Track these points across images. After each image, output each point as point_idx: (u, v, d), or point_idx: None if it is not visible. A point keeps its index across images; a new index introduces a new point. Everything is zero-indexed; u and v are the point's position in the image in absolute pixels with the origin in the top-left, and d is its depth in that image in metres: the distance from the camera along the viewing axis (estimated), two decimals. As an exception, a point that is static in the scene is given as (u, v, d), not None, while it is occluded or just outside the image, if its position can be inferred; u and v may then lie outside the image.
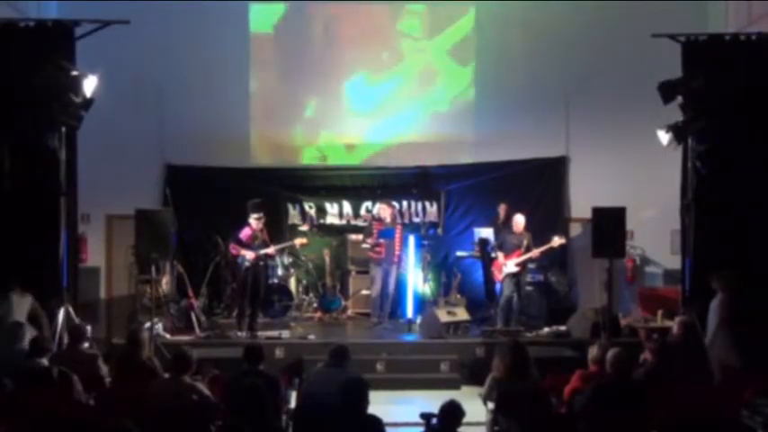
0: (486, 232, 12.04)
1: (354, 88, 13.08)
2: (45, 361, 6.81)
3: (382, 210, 11.67)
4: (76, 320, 8.72)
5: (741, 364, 8.10)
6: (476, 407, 6.98)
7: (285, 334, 10.56)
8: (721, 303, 8.50)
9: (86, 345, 7.73)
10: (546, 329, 11.01)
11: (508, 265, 10.88)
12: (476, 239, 12.25)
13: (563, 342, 10.49)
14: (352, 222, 13.02)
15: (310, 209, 13.02)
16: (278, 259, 11.79)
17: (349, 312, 12.29)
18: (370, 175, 13.18)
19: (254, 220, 10.58)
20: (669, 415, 6.12)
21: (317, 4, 12.74)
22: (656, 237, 12.11)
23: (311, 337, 10.53)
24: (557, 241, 10.91)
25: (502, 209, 12.02)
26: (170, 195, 12.01)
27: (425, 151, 13.01)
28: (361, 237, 11.92)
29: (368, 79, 13.06)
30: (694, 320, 8.64)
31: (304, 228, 12.75)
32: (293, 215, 13.00)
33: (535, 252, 10.89)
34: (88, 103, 8.78)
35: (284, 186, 12.97)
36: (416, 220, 13.00)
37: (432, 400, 5.71)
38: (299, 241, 11.40)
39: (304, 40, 12.97)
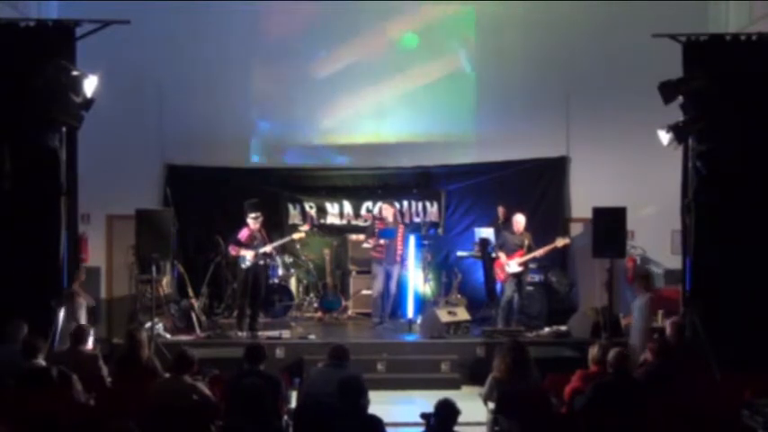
0: (487, 232, 12.05)
1: (354, 88, 13.07)
2: (43, 361, 6.81)
3: (384, 210, 11.68)
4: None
5: None
6: (476, 407, 6.99)
7: (286, 334, 10.56)
8: (646, 304, 8.54)
9: (90, 345, 7.76)
10: (546, 329, 11.02)
11: (511, 265, 10.87)
12: (476, 239, 12.26)
13: (563, 342, 10.49)
14: (353, 222, 13.03)
15: (311, 209, 13.02)
16: (278, 259, 11.80)
17: (349, 312, 12.29)
18: (371, 175, 13.18)
19: (252, 220, 10.60)
20: (669, 415, 6.12)
21: (315, 4, 12.73)
22: (657, 236, 12.08)
23: (312, 337, 10.53)
24: (560, 241, 10.91)
25: (501, 211, 12.03)
26: (170, 195, 12.02)
27: (426, 151, 13.01)
28: (362, 237, 11.94)
29: (368, 79, 13.04)
30: (694, 320, 8.67)
31: (305, 228, 12.74)
32: (294, 215, 13.00)
33: (539, 251, 10.89)
34: (88, 103, 8.76)
35: (284, 186, 12.98)
36: (417, 219, 13.00)
37: (432, 400, 5.70)
38: (297, 235, 11.41)
39: (304, 39, 12.95)
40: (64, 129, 8.78)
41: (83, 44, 9.20)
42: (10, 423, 5.50)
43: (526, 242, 10.93)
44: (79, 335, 7.68)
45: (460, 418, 5.56)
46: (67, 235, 8.98)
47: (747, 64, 9.29)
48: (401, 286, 11.53)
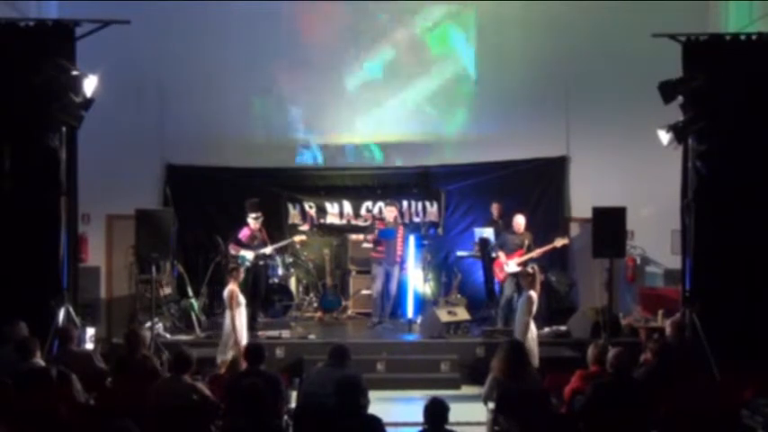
0: (487, 232, 12.05)
1: (354, 87, 13.06)
2: (42, 361, 6.80)
3: (386, 210, 11.69)
4: (76, 320, 8.73)
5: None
6: (476, 407, 6.99)
7: (285, 334, 10.55)
8: (528, 301, 8.65)
9: (91, 346, 7.75)
10: (546, 329, 11.00)
11: (510, 265, 10.87)
12: (476, 239, 12.26)
13: (563, 342, 10.49)
14: (353, 222, 13.01)
15: (310, 209, 13.01)
16: (278, 259, 11.79)
17: (349, 312, 12.28)
18: (371, 174, 13.17)
19: (253, 220, 10.62)
20: (669, 415, 6.12)
21: (314, 4, 12.72)
22: (657, 236, 12.07)
23: (311, 336, 10.53)
24: (559, 241, 10.92)
25: (495, 208, 12.09)
26: (170, 195, 12.01)
27: (425, 151, 13.01)
28: (361, 237, 11.94)
29: (368, 79, 13.05)
30: (693, 320, 8.68)
31: (304, 227, 12.75)
32: (293, 215, 12.99)
33: (537, 252, 10.89)
34: (88, 102, 8.77)
35: (284, 186, 12.96)
36: (417, 219, 13.00)
37: (432, 400, 5.70)
38: (298, 238, 11.40)
39: (302, 39, 12.95)
40: (64, 128, 8.80)
41: (82, 44, 9.21)
42: (9, 423, 5.50)
43: (526, 242, 10.93)
44: (65, 335, 7.67)
45: (461, 419, 5.56)
46: (67, 235, 8.99)
47: (747, 64, 9.29)
48: (401, 286, 11.53)
